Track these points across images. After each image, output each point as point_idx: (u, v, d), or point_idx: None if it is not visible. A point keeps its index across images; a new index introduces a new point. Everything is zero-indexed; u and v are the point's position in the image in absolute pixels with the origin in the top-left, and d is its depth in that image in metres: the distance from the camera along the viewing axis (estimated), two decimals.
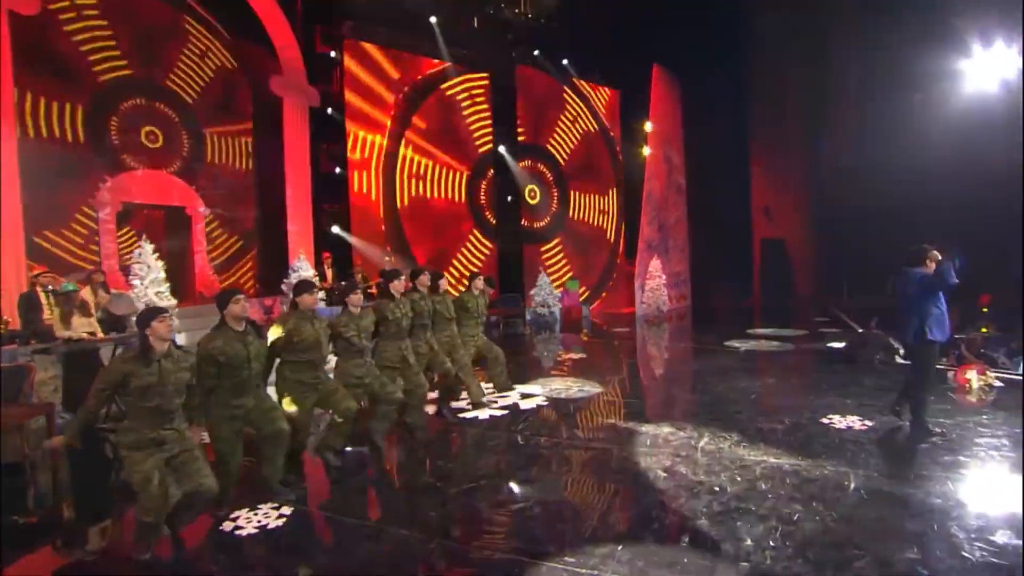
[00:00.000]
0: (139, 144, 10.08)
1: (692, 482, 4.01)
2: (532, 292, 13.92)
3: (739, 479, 4.02)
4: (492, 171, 14.78)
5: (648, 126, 16.30)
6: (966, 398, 5.87)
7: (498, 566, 3.06)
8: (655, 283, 15.28)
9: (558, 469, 4.40)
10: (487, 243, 14.94)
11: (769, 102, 16.89)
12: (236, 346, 3.45)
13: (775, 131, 16.94)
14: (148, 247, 8.26)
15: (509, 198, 14.72)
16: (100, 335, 6.63)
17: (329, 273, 10.95)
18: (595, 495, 3.91)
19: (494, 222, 14.97)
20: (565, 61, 15.45)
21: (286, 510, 3.73)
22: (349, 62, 12.32)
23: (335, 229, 12.06)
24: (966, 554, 3.00)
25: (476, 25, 13.56)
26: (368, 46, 12.67)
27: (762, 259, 17.23)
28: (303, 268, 9.94)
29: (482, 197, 14.99)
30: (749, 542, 3.18)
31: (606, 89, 17.47)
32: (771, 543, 3.16)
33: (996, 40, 12.32)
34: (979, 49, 12.47)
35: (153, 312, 3.08)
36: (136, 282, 8.10)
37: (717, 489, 3.88)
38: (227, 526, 3.55)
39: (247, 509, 3.74)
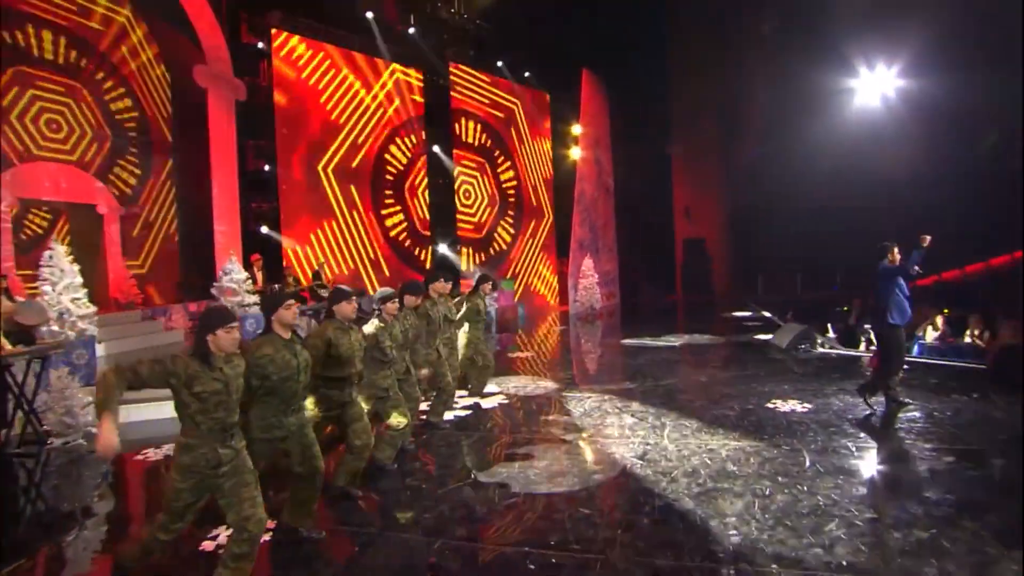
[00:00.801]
0: (40, 133, 9.13)
1: (667, 467, 4.27)
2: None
3: (709, 462, 4.33)
4: (426, 171, 14.67)
5: (578, 129, 16.85)
6: None
7: (508, 559, 3.13)
8: (588, 281, 15.81)
9: (538, 463, 4.50)
10: (421, 244, 14.79)
11: (688, 109, 18.01)
12: (286, 355, 3.08)
13: (694, 137, 18.07)
14: (60, 248, 7.49)
15: (444, 199, 14.69)
16: (8, 348, 5.96)
17: (259, 276, 10.44)
18: (581, 485, 4.05)
19: (428, 224, 14.86)
20: (500, 63, 15.63)
21: (269, 524, 3.59)
22: (277, 54, 11.79)
23: (264, 229, 11.51)
24: (912, 511, 3.44)
25: (412, 22, 13.42)
26: (297, 39, 12.17)
27: (684, 258, 18.30)
28: (235, 271, 9.38)
29: (416, 197, 14.83)
30: (733, 517, 3.45)
31: (538, 91, 17.83)
32: (752, 516, 3.45)
33: (878, 63, 14.16)
34: (865, 71, 14.26)
35: (219, 318, 2.62)
36: (47, 288, 7.32)
37: (692, 472, 4.15)
38: (208, 545, 3.38)
39: (225, 526, 3.57)
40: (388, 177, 13.93)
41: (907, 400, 5.56)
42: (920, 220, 13.79)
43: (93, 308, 7.67)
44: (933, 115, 13.91)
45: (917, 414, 5.32)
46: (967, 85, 12.78)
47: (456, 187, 15.20)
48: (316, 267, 11.24)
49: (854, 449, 4.47)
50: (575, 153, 17.22)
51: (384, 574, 3.06)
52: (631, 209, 18.29)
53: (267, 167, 11.70)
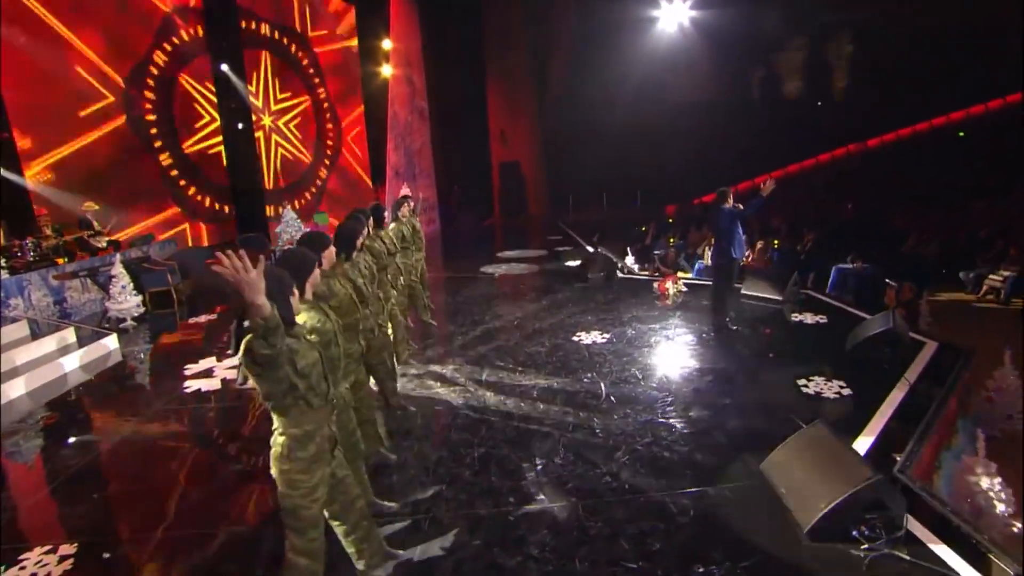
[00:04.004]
0: None
1: (486, 413, 4.65)
2: (277, 230, 12.93)
3: (522, 404, 4.80)
4: (213, 92, 12.73)
5: (388, 44, 15.77)
6: (667, 303, 7.70)
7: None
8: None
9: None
10: (214, 172, 13.08)
11: (501, 31, 17.78)
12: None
13: (507, 59, 18.02)
14: None
15: (241, 125, 12.99)
16: None
17: None
18: (406, 444, 4.21)
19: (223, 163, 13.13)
20: None
21: (68, 549, 3.24)
22: None
23: None
24: (678, 430, 4.23)
25: None
26: None
27: (500, 181, 18.75)
28: None
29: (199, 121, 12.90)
30: (541, 457, 3.94)
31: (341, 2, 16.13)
32: (557, 454, 3.97)
33: None
34: (665, 2, 15.47)
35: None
36: None
37: (507, 415, 4.59)
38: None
39: (3, 567, 3.14)
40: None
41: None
42: (708, 140, 15.91)
43: None
44: (719, 44, 15.69)
45: (691, 337, 6.32)
46: (746, 17, 14.56)
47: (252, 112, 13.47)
48: (83, 213, 9.43)
49: (641, 377, 5.25)
50: (386, 71, 16.18)
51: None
52: (448, 133, 18.00)
53: None
